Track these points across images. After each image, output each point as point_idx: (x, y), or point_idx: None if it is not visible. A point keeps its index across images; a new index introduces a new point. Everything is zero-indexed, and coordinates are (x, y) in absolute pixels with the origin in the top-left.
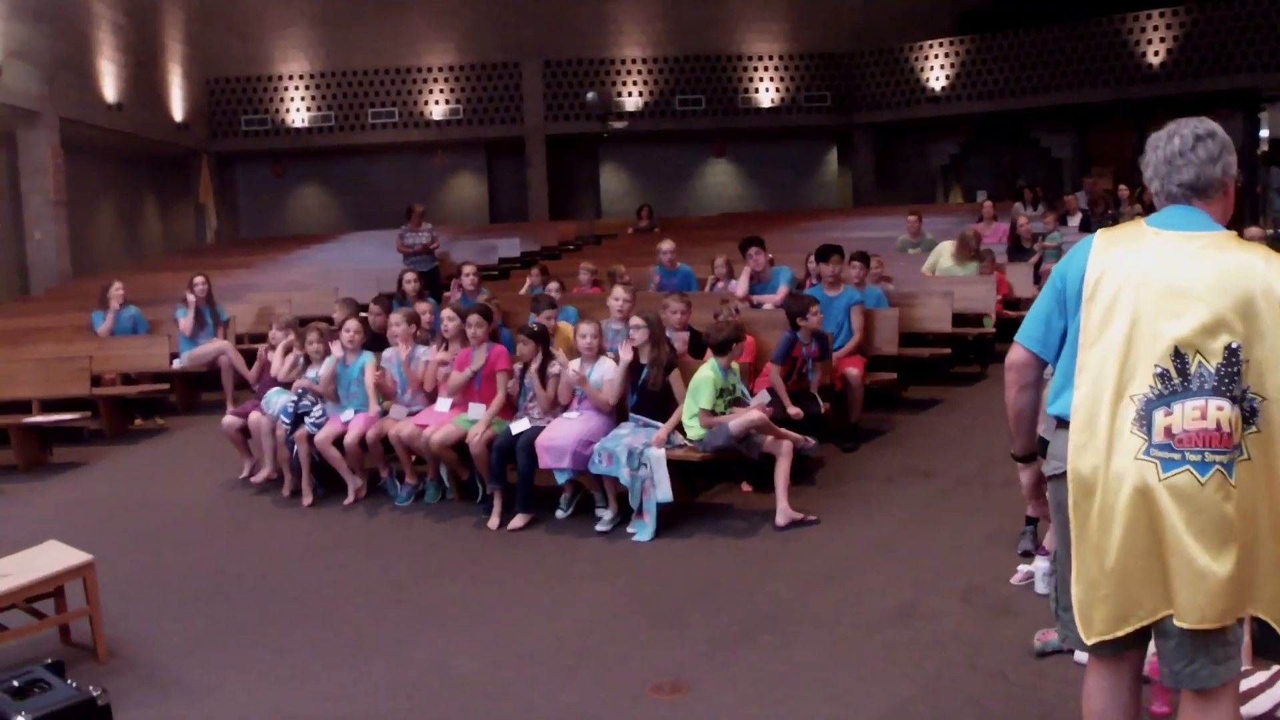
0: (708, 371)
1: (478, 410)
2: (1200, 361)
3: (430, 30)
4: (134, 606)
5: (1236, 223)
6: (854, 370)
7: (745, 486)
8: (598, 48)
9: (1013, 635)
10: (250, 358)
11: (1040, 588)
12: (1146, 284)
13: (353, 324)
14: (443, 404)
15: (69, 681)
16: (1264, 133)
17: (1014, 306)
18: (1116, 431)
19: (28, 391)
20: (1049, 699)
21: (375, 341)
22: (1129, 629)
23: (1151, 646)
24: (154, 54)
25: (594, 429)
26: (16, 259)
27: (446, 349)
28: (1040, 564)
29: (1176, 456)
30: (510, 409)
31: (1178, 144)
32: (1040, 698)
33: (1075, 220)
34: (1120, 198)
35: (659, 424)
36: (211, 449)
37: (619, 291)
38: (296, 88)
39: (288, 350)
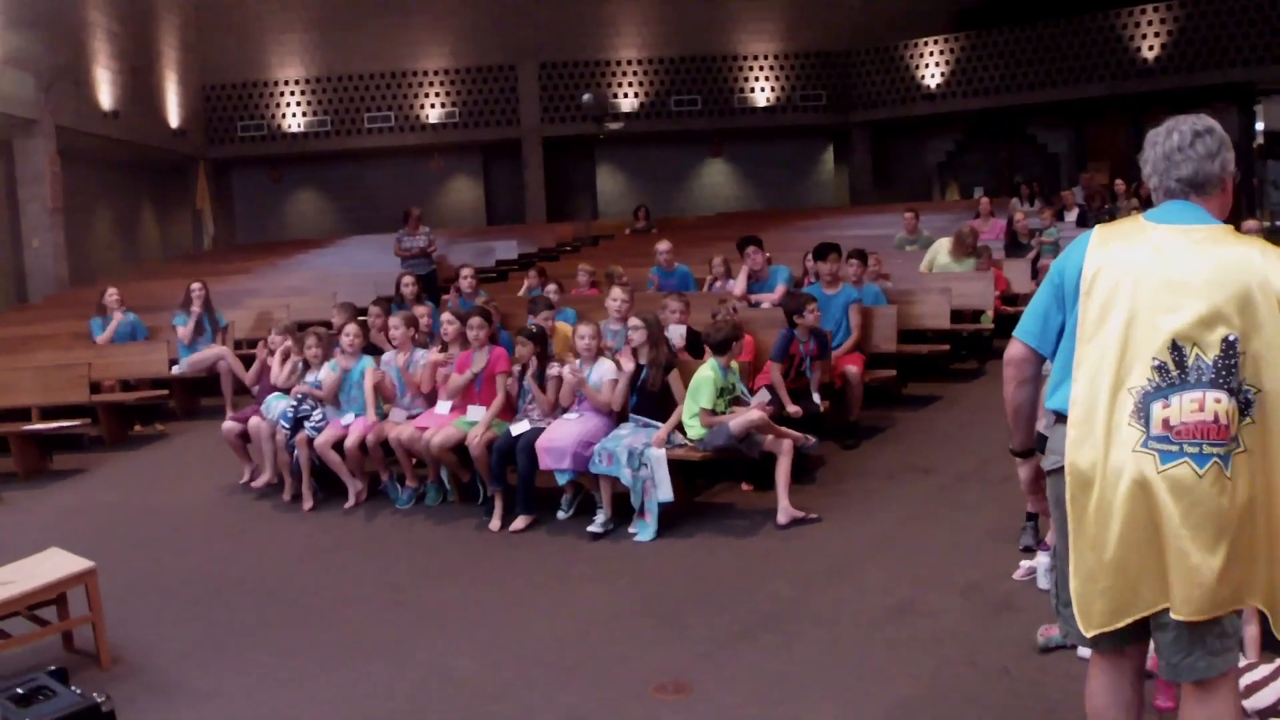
0: (708, 371)
1: (477, 413)
2: (1198, 354)
3: (425, 34)
4: (136, 612)
5: (1233, 216)
6: (853, 368)
7: (745, 486)
8: (593, 49)
9: (1014, 631)
10: (249, 363)
11: (1042, 583)
12: (1144, 278)
13: (352, 328)
14: (442, 407)
15: (72, 688)
16: (1259, 126)
17: (1011, 302)
18: (1114, 425)
19: (27, 399)
20: (1052, 695)
21: (370, 346)
22: (1128, 620)
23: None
24: (150, 61)
25: (594, 430)
26: (14, 267)
27: (445, 351)
28: (1042, 559)
29: (1175, 448)
30: (510, 411)
31: (1176, 140)
32: (1043, 694)
33: (1072, 216)
34: (1117, 193)
35: (659, 424)
36: (211, 454)
37: (617, 292)
38: (292, 93)
39: (285, 356)
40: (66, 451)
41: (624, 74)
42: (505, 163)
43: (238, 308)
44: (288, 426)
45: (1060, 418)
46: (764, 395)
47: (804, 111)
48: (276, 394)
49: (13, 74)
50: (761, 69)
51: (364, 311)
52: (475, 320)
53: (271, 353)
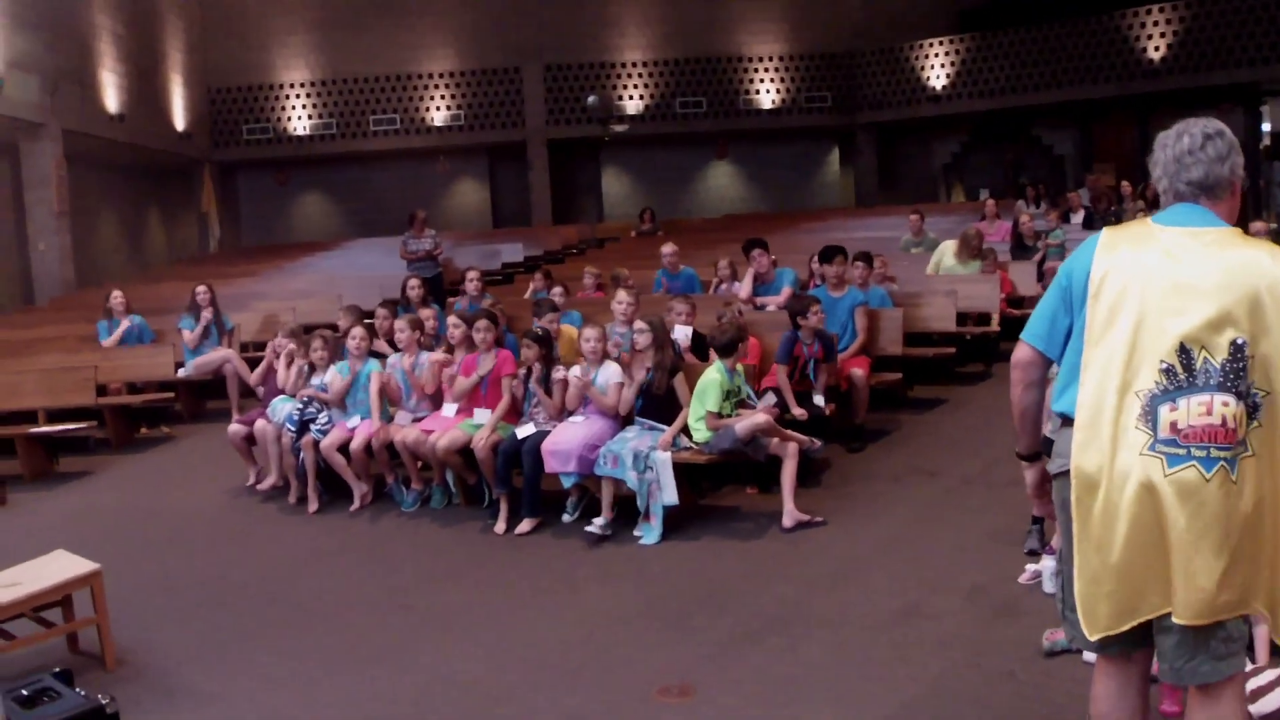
0: (714, 374)
1: (483, 415)
2: (1205, 357)
3: (430, 36)
4: (141, 614)
5: (1239, 219)
6: (859, 371)
7: (750, 489)
8: (598, 51)
9: (1019, 635)
10: (255, 366)
11: (1047, 587)
12: (1152, 281)
13: (358, 331)
14: (448, 409)
15: (77, 690)
16: (1266, 127)
17: (1017, 305)
18: (1121, 428)
19: (33, 402)
20: (1057, 699)
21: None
22: (1132, 624)
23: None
24: (155, 64)
25: (599, 433)
26: (20, 270)
27: (452, 353)
28: (1047, 563)
29: (1182, 452)
30: (516, 413)
31: (1187, 142)
32: (1048, 697)
33: (1078, 217)
34: (1123, 194)
35: (664, 427)
36: (217, 457)
37: (622, 295)
38: (298, 96)
39: (290, 359)
40: (72, 454)
41: (629, 76)
42: (510, 165)
43: (244, 310)
44: (293, 429)
45: (1066, 420)
46: (770, 398)
47: (809, 113)
48: (282, 397)
49: (19, 77)
50: (767, 70)
51: (370, 314)
52: (481, 323)
53: (277, 355)
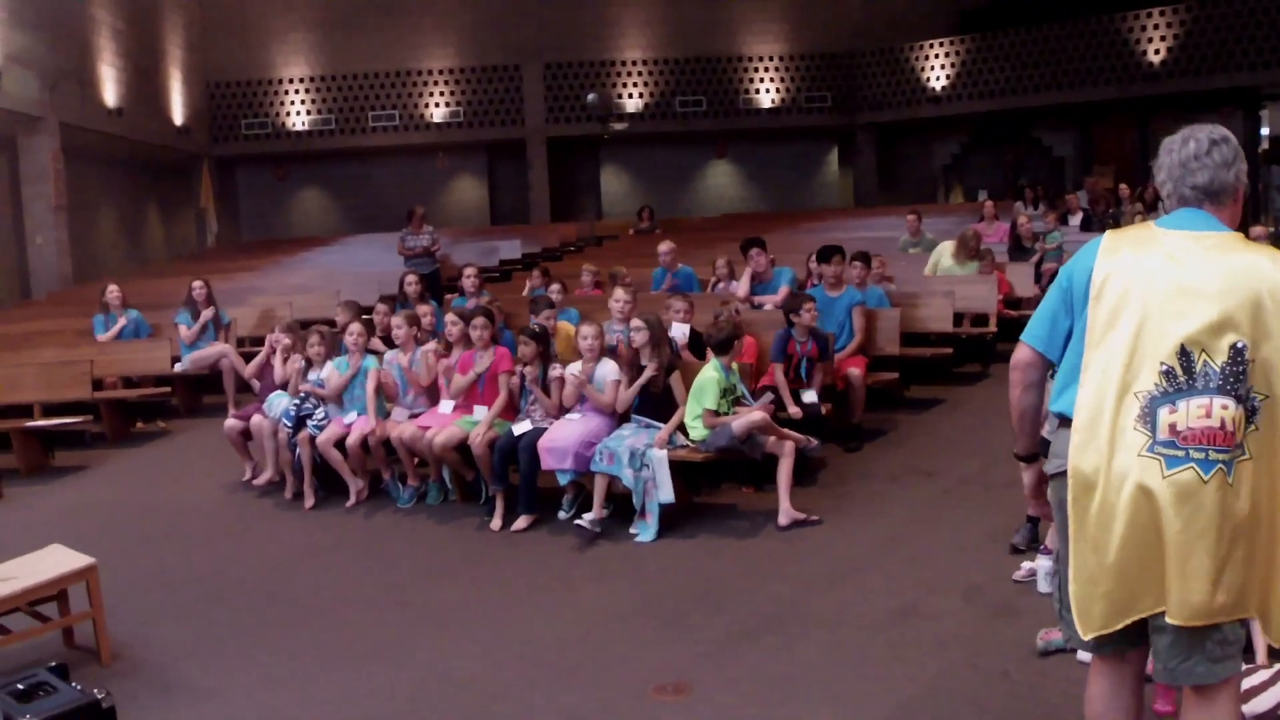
0: (711, 372)
1: (481, 412)
2: (1205, 360)
3: (430, 33)
4: (137, 609)
5: (1240, 224)
6: (856, 370)
7: (747, 489)
8: (598, 50)
9: (1015, 635)
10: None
11: (1043, 587)
12: (1154, 284)
13: (356, 327)
14: (445, 406)
15: (73, 684)
16: (1265, 131)
17: (1015, 306)
18: (1119, 429)
19: (29, 395)
20: (1051, 699)
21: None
22: (1126, 622)
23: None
24: (154, 59)
25: (596, 430)
26: (18, 264)
27: (450, 350)
28: (1043, 563)
29: (1180, 454)
30: (513, 410)
31: (1193, 147)
32: (1043, 697)
33: (1076, 219)
34: (1121, 196)
35: (661, 425)
36: (213, 452)
37: (619, 293)
38: (297, 91)
39: (287, 355)
40: (69, 448)
41: (629, 75)
42: (510, 162)
43: (241, 305)
44: (290, 424)
45: (1064, 421)
46: (767, 397)
47: (809, 113)
48: (279, 392)
49: (18, 72)
50: (766, 70)
51: (368, 310)
52: (479, 320)
53: (274, 350)
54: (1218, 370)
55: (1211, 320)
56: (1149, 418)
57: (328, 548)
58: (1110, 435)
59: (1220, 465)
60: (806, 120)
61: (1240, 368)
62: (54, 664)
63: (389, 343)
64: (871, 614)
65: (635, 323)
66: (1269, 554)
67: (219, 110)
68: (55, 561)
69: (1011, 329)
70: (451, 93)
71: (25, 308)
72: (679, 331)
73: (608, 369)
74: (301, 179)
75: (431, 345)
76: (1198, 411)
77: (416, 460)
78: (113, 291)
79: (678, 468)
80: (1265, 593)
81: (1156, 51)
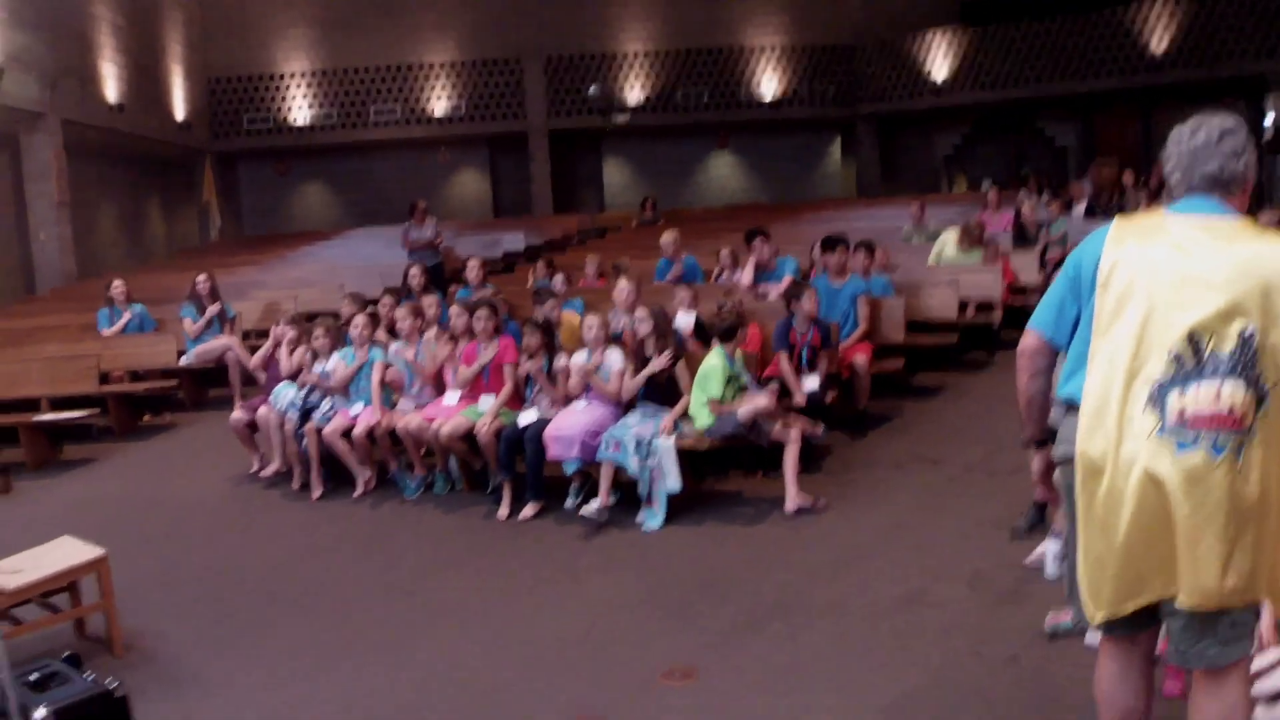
0: (715, 360)
1: (486, 402)
2: (1214, 346)
3: (431, 27)
4: (146, 601)
5: (1247, 213)
6: (861, 358)
7: (757, 474)
8: (599, 42)
9: (1020, 620)
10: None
11: (1050, 571)
12: (1159, 275)
13: (360, 319)
14: (451, 396)
15: (85, 674)
16: (1269, 120)
17: (1020, 294)
18: (1128, 415)
19: (36, 390)
20: (1058, 682)
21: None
22: (1135, 605)
23: (1164, 627)
24: (155, 55)
25: (602, 419)
26: (22, 260)
27: (455, 343)
28: (1050, 546)
29: (1190, 438)
30: (519, 400)
31: (1203, 137)
32: (1050, 681)
33: (1080, 208)
34: (1125, 185)
35: (668, 409)
36: (220, 444)
37: (623, 284)
38: (298, 86)
39: (293, 347)
40: (76, 442)
41: (630, 67)
42: (512, 155)
43: (245, 299)
44: (296, 416)
45: (1071, 407)
46: (772, 384)
47: (811, 104)
48: (285, 384)
49: (18, 69)
50: (768, 62)
51: (372, 302)
52: (482, 312)
53: (278, 344)
54: (1226, 356)
55: (1220, 308)
56: (1158, 402)
57: (335, 539)
58: (1118, 420)
59: (1229, 449)
60: (808, 111)
61: (1249, 354)
62: (67, 654)
63: (394, 334)
64: (877, 601)
65: (640, 313)
66: (1278, 538)
67: (220, 106)
68: (66, 553)
69: (1016, 316)
70: (453, 86)
71: (29, 303)
72: (684, 321)
73: (613, 359)
74: (303, 174)
75: (431, 334)
76: (1207, 396)
77: (423, 450)
78: (117, 287)
79: (684, 456)
80: (1276, 576)
81: (1159, 41)
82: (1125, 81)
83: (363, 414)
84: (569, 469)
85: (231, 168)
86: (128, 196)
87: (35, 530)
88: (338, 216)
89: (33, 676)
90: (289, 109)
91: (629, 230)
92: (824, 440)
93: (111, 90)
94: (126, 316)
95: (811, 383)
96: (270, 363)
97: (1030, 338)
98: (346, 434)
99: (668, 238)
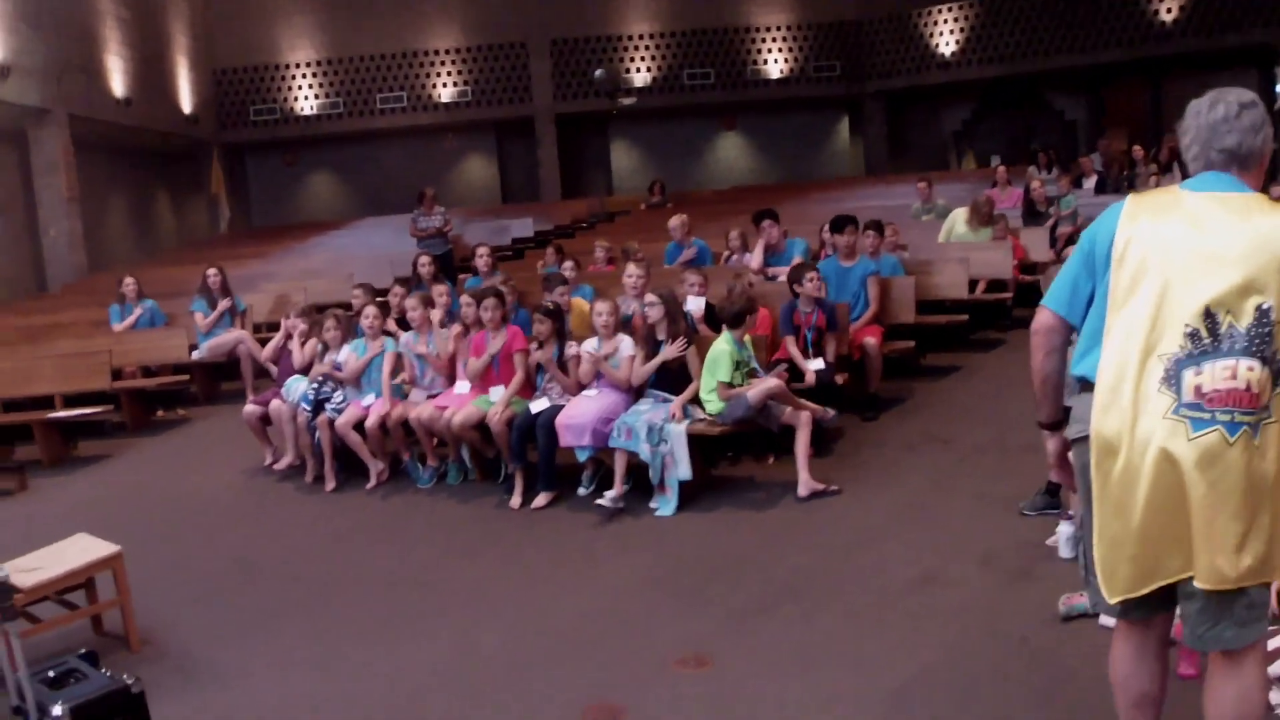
0: (723, 345)
1: (498, 393)
2: (1230, 321)
3: (436, 13)
4: (163, 596)
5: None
6: (871, 340)
7: (769, 458)
8: (604, 25)
9: (1033, 600)
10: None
11: (1064, 552)
12: (1173, 252)
13: (371, 310)
14: (462, 386)
15: (103, 671)
16: None
17: (1030, 271)
18: (1143, 392)
19: (49, 387)
20: (1071, 663)
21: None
22: (1152, 587)
23: (1178, 609)
24: (160, 48)
25: (613, 406)
26: (33, 256)
27: (466, 333)
28: (1064, 528)
29: (1206, 416)
30: (530, 388)
31: (1222, 111)
32: (1062, 662)
33: (1090, 183)
34: (1135, 159)
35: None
36: (233, 438)
37: (632, 269)
38: (304, 75)
39: (305, 339)
40: (90, 438)
41: (636, 49)
42: (519, 140)
43: (255, 291)
44: (309, 408)
45: (1086, 385)
46: (781, 367)
47: (817, 82)
48: (297, 376)
49: (24, 65)
50: (774, 40)
51: (382, 293)
52: (489, 302)
53: (289, 335)
54: (1243, 332)
55: (1235, 284)
56: (1174, 380)
57: (349, 530)
58: (1134, 398)
59: (1246, 427)
60: (815, 90)
61: (1266, 329)
62: (84, 651)
63: (404, 325)
64: (890, 582)
65: (650, 298)
66: None
67: (227, 97)
68: (82, 550)
69: (1027, 294)
70: (459, 72)
71: (41, 300)
72: (694, 305)
73: (624, 346)
74: (311, 163)
75: (438, 320)
76: (1223, 373)
77: (435, 441)
78: (129, 284)
79: (695, 442)
80: None
81: (1168, 10)
82: (1134, 52)
83: (375, 405)
84: (581, 457)
85: (239, 159)
86: (136, 190)
87: (51, 527)
88: (345, 206)
89: (50, 674)
90: (295, 99)
91: (638, 213)
92: (835, 424)
93: (118, 84)
94: (138, 312)
95: (817, 364)
96: (282, 355)
97: (1044, 315)
98: (359, 425)
99: (676, 221)
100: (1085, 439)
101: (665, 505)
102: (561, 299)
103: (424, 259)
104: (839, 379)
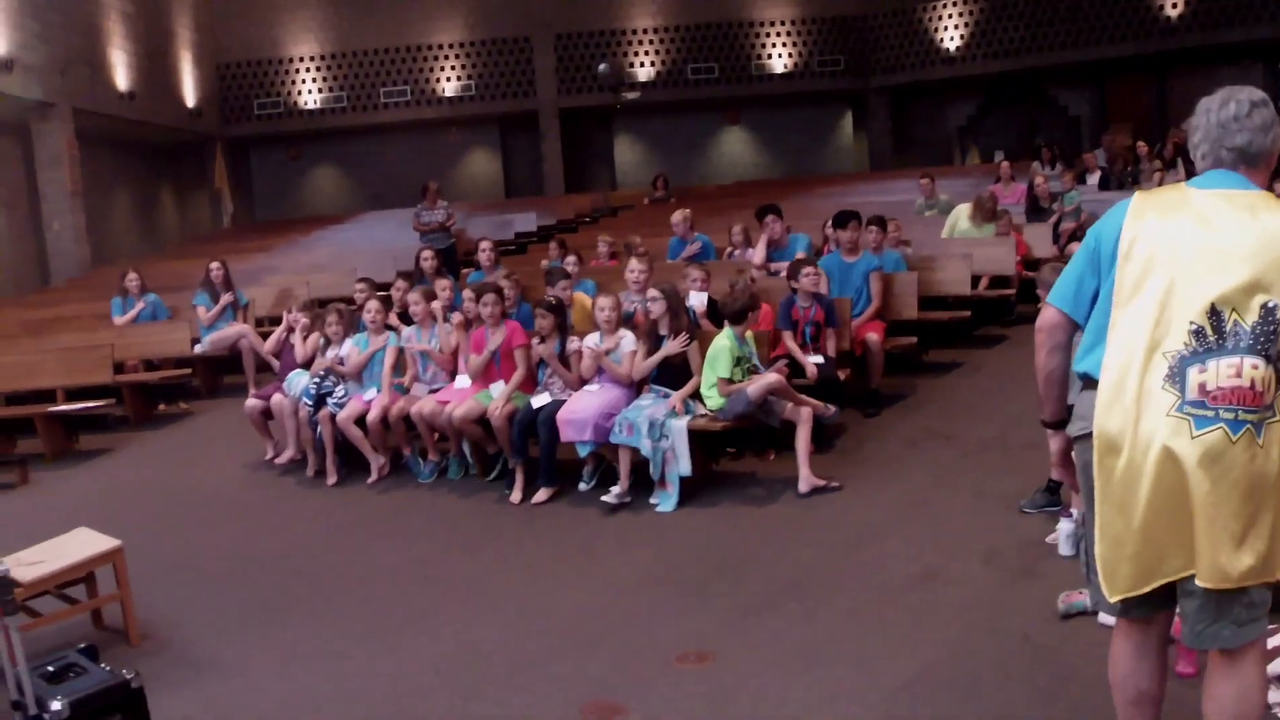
0: (724, 340)
1: (498, 388)
2: (1236, 319)
3: (440, 7)
4: (163, 590)
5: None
6: (874, 335)
7: (770, 454)
8: (608, 19)
9: (1034, 597)
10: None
11: (1064, 550)
12: (1180, 249)
13: (373, 305)
14: (463, 381)
15: (102, 665)
16: None
17: (1033, 267)
18: (1147, 390)
19: (52, 381)
20: (1072, 660)
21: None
22: (1153, 585)
23: (1178, 608)
24: (164, 42)
25: (614, 401)
26: (36, 250)
27: (469, 328)
28: (1064, 526)
29: (1210, 414)
30: (531, 383)
31: (1233, 109)
32: (1064, 660)
33: (1094, 178)
34: (1139, 154)
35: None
36: (235, 432)
37: (634, 264)
38: (308, 69)
39: (307, 333)
40: (92, 432)
41: (640, 43)
42: (522, 135)
43: (258, 285)
44: (310, 403)
45: (1089, 382)
46: (781, 362)
47: (822, 77)
48: (298, 371)
49: (28, 59)
50: (778, 35)
51: (385, 287)
52: (488, 297)
53: (291, 329)
54: (1248, 330)
55: (1242, 281)
56: (1178, 377)
57: (350, 524)
58: (1137, 395)
59: (1249, 426)
60: (819, 84)
61: (1271, 327)
62: (83, 645)
63: (406, 319)
64: (891, 579)
65: (652, 293)
66: None
67: (230, 91)
68: (82, 544)
69: (1030, 290)
70: (462, 66)
71: (45, 294)
72: (697, 300)
73: (626, 341)
74: (314, 158)
75: (454, 322)
76: (1228, 371)
77: (436, 435)
78: (132, 279)
79: (696, 437)
80: None
81: (1174, 5)
82: (1138, 47)
83: (376, 399)
84: (582, 452)
85: (243, 153)
86: (140, 184)
87: (52, 521)
88: (349, 200)
89: (50, 668)
90: (299, 93)
91: (641, 208)
92: (836, 420)
93: (122, 78)
94: (140, 306)
95: (815, 359)
96: (284, 349)
97: (1048, 313)
98: (360, 420)
99: (679, 216)
100: (1088, 436)
101: (666, 501)
102: (564, 294)
103: (427, 253)
104: (841, 374)
